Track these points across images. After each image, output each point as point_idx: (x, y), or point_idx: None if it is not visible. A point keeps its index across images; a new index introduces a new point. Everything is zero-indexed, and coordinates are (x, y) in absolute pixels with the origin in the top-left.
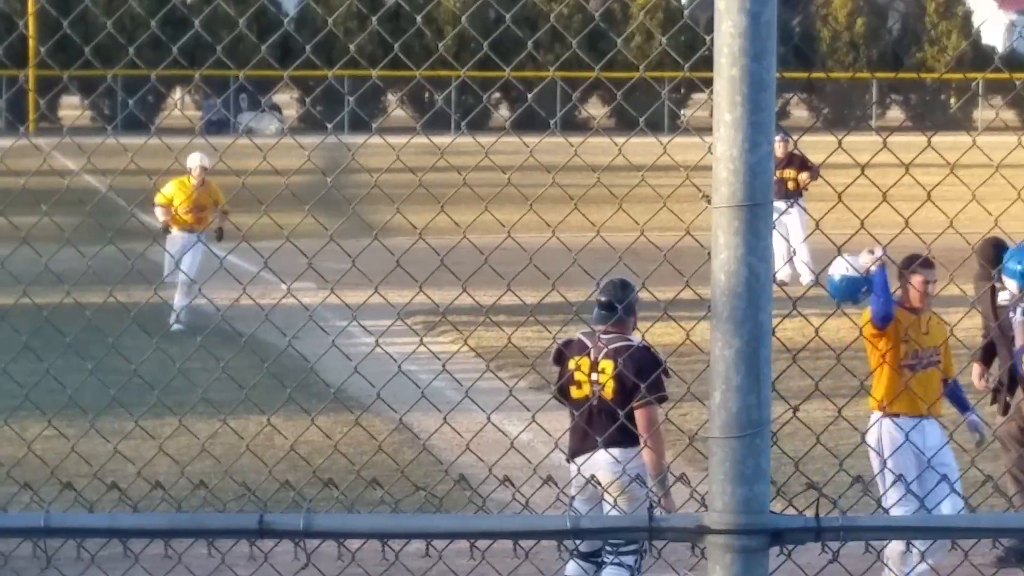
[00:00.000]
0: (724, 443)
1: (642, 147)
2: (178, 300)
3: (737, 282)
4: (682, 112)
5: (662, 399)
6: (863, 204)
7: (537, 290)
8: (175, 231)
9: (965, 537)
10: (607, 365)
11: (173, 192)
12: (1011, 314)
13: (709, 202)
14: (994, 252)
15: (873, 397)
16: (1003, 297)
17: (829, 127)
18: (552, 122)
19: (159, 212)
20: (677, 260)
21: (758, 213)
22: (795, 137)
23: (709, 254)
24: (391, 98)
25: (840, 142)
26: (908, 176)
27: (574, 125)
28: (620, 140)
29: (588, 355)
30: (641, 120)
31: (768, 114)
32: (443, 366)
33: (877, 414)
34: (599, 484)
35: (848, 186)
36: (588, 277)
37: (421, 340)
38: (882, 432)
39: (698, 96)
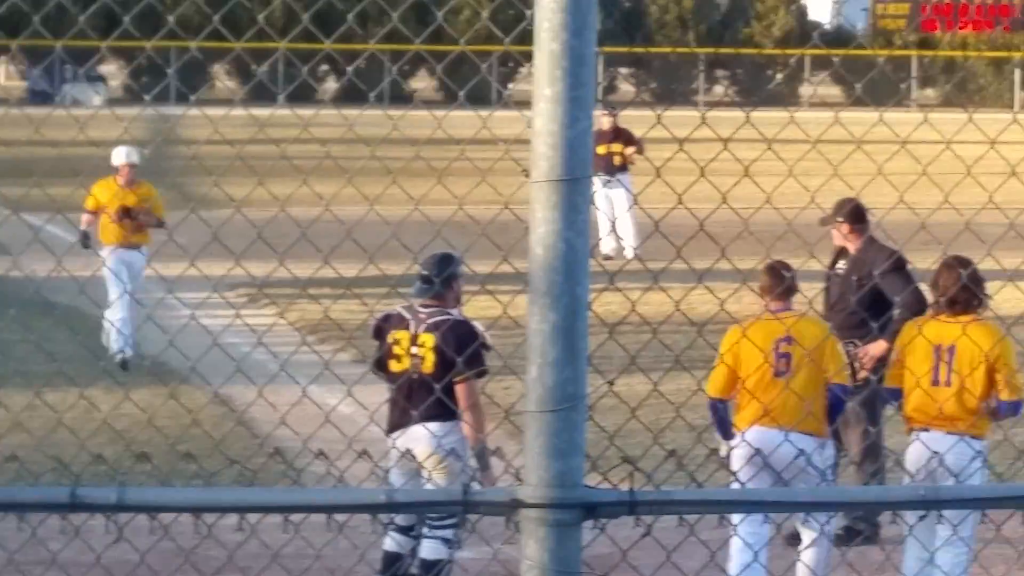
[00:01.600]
0: (539, 417)
1: (470, 121)
2: (120, 326)
3: (554, 256)
4: (509, 86)
5: (481, 373)
6: (686, 179)
7: (358, 263)
8: (104, 247)
9: (778, 511)
10: (427, 339)
11: (97, 193)
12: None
13: (528, 176)
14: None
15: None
16: (839, 266)
17: (658, 102)
18: (371, 95)
19: (82, 219)
20: (498, 234)
21: (576, 188)
22: (618, 111)
23: (527, 228)
24: (218, 69)
25: (659, 117)
26: (728, 152)
27: (403, 99)
28: (444, 113)
29: (408, 328)
30: (461, 94)
31: (588, 89)
32: (259, 339)
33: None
34: (414, 458)
35: (667, 161)
36: (408, 251)
37: (237, 313)
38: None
39: (526, 70)
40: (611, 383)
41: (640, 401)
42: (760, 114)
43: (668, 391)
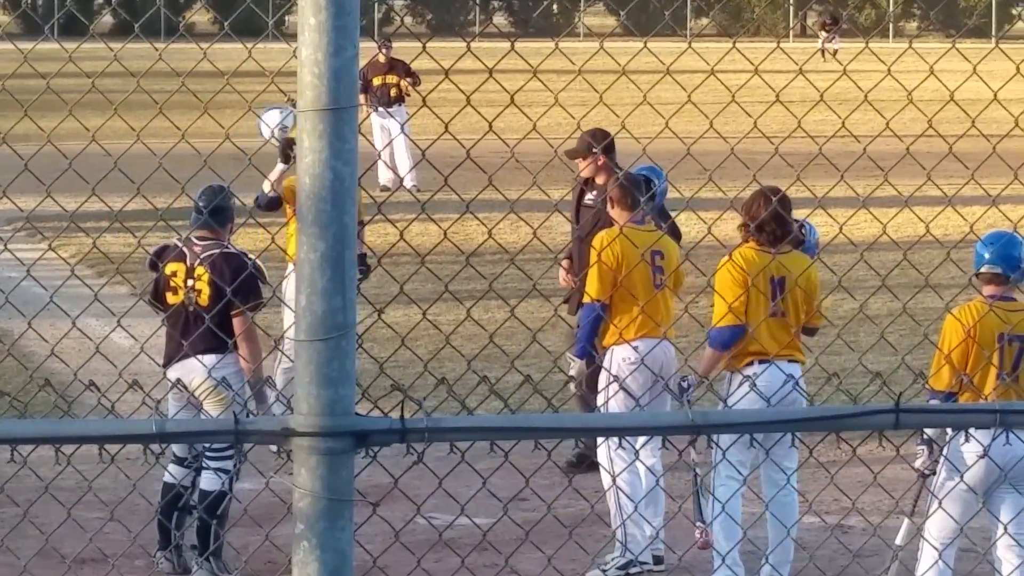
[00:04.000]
0: (309, 346)
1: (244, 53)
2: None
3: (322, 186)
4: (286, 18)
5: (257, 306)
6: (455, 109)
7: (128, 196)
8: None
9: (548, 437)
10: (202, 271)
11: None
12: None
13: (295, 106)
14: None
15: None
16: (589, 197)
17: (434, 34)
18: (136, 26)
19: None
20: (268, 166)
21: (343, 117)
22: (393, 41)
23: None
24: None
25: (424, 46)
26: (495, 81)
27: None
28: (218, 46)
29: (184, 261)
30: (226, 24)
31: (352, 18)
32: (27, 271)
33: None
34: (186, 388)
35: (431, 90)
36: (176, 182)
37: (5, 245)
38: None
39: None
40: (380, 312)
41: (410, 330)
42: (533, 45)
43: (444, 321)
